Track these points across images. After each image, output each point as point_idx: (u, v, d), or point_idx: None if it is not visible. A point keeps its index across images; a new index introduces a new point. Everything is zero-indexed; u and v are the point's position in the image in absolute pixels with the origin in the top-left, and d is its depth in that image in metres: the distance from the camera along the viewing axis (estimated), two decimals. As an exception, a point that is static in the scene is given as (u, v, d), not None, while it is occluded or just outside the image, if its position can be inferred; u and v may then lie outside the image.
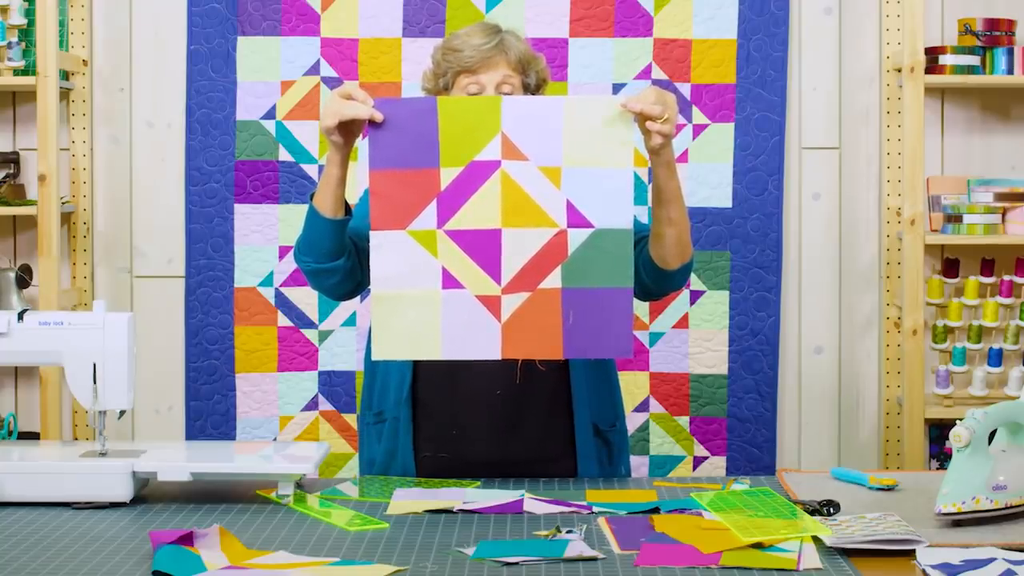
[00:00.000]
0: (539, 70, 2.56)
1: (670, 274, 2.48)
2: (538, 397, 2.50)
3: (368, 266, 2.31)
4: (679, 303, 3.66)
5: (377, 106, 2.26)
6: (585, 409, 2.52)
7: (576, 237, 2.24)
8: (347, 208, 2.42)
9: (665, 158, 2.35)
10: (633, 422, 3.63)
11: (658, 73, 3.64)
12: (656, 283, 2.50)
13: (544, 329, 2.25)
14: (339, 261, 2.43)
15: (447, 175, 2.24)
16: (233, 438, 3.66)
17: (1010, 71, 3.60)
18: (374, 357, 2.31)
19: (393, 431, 2.53)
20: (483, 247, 2.23)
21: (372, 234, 2.26)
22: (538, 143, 2.24)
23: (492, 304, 2.24)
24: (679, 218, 2.41)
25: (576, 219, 2.24)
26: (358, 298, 3.25)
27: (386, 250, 2.25)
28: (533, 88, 2.56)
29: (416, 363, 2.51)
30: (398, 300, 2.25)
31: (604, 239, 2.25)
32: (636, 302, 2.96)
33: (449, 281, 2.24)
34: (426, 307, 2.24)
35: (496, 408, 2.48)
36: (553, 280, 2.24)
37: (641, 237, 2.47)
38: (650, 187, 2.43)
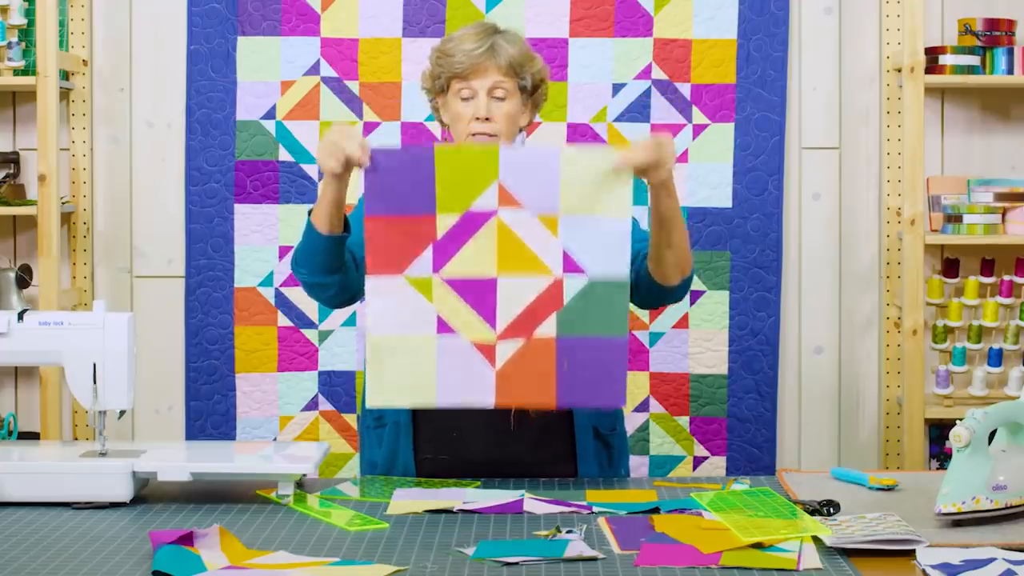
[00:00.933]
0: (535, 72, 2.56)
1: (669, 289, 2.49)
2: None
3: (364, 275, 2.31)
4: (679, 303, 3.66)
5: (374, 156, 2.25)
6: (585, 412, 2.52)
7: (572, 286, 2.24)
8: (345, 224, 2.42)
9: (665, 186, 2.35)
10: (633, 422, 3.63)
11: (658, 73, 3.64)
12: (655, 297, 2.51)
13: (538, 377, 2.25)
14: (336, 275, 2.43)
15: (443, 222, 2.24)
16: (233, 438, 3.66)
17: (1010, 71, 3.60)
18: (368, 405, 2.32)
19: (394, 435, 2.53)
20: (479, 294, 2.23)
21: (368, 279, 2.26)
22: (535, 192, 2.24)
23: (487, 351, 2.24)
24: (679, 240, 2.41)
25: (572, 267, 2.24)
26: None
27: (382, 295, 2.25)
28: (530, 90, 2.56)
29: None
30: (394, 346, 2.25)
31: (600, 289, 2.25)
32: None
33: (444, 327, 2.23)
34: (421, 353, 2.24)
35: (496, 411, 2.47)
36: (548, 328, 2.24)
37: (639, 250, 2.47)
38: (649, 205, 2.43)
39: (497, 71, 2.50)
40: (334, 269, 2.42)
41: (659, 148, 2.28)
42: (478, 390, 2.24)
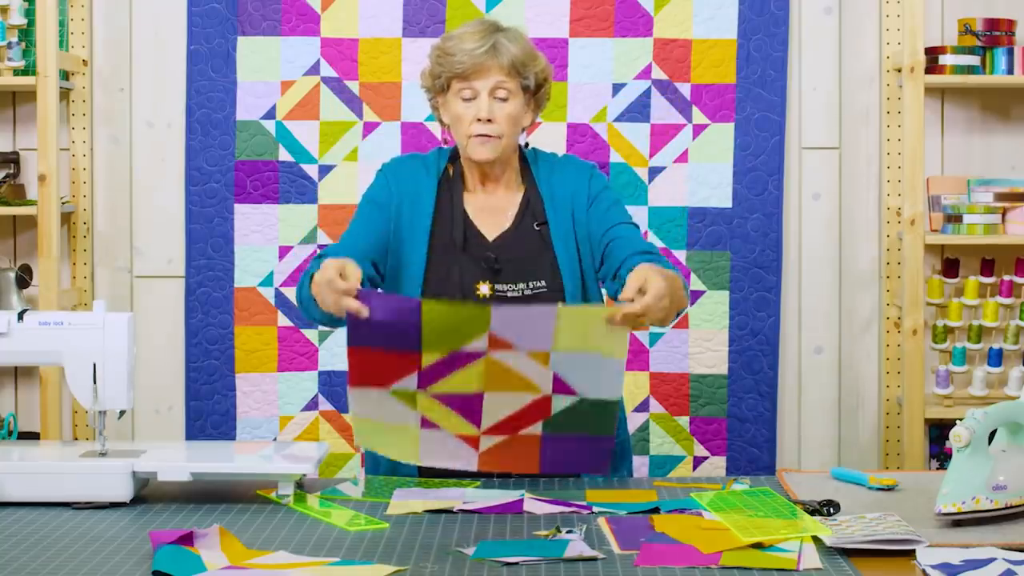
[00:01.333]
0: (538, 71, 2.52)
1: (663, 326, 2.51)
2: None
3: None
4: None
5: (360, 297, 2.11)
6: None
7: (560, 401, 2.15)
8: None
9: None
10: (633, 422, 3.63)
11: (658, 73, 3.64)
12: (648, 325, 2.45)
13: (521, 457, 2.19)
14: (340, 321, 2.34)
15: (429, 358, 2.12)
16: (233, 438, 3.66)
17: (1010, 71, 3.60)
18: (356, 443, 2.29)
19: None
20: (464, 404, 2.15)
21: (350, 389, 2.14)
22: (528, 336, 2.11)
23: (470, 440, 2.18)
24: (675, 307, 2.32)
25: (562, 389, 2.15)
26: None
27: (364, 400, 2.15)
28: (533, 88, 2.52)
29: None
30: (375, 426, 2.18)
31: (590, 405, 2.15)
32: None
33: (427, 424, 2.17)
34: (404, 435, 2.18)
35: None
36: (533, 429, 2.17)
37: (636, 253, 2.44)
38: None
39: (499, 71, 2.46)
40: (339, 321, 2.36)
41: (659, 306, 2.16)
42: (461, 461, 2.19)
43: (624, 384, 2.23)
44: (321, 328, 3.67)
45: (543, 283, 2.49)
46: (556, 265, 2.50)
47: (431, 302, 2.11)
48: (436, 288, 2.47)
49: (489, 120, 2.46)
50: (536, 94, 2.55)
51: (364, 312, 2.10)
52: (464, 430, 2.16)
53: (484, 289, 2.47)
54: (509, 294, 2.47)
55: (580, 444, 2.18)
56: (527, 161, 2.60)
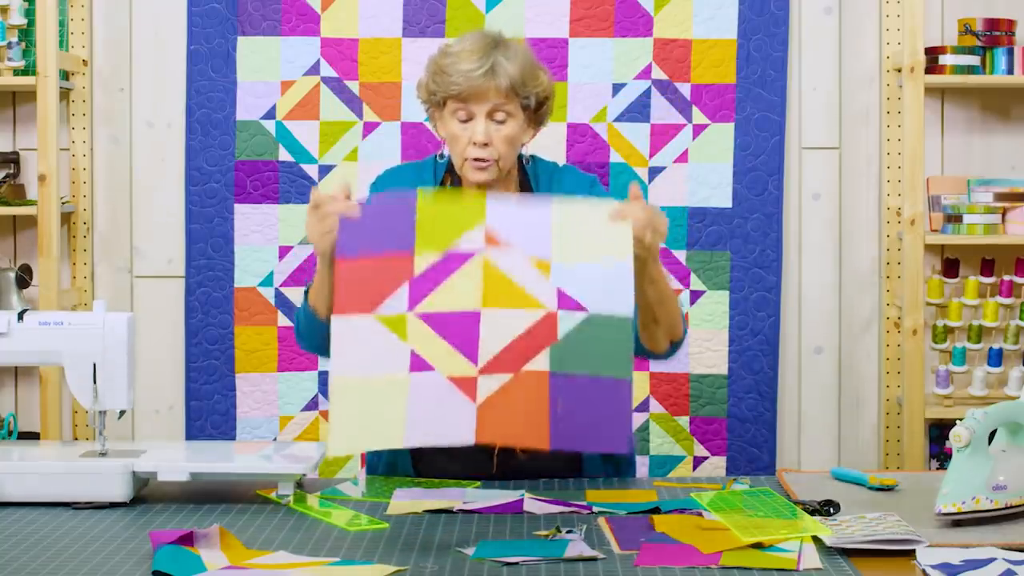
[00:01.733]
0: (539, 90, 2.40)
1: (657, 354, 2.43)
2: None
3: None
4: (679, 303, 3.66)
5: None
6: None
7: (567, 320, 1.95)
8: None
9: (649, 275, 2.24)
10: (633, 422, 3.62)
11: (658, 73, 3.64)
12: (642, 355, 2.42)
13: (528, 415, 1.93)
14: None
15: (422, 260, 1.99)
16: (233, 438, 3.66)
17: (1010, 71, 3.60)
18: (329, 454, 2.06)
19: (392, 451, 2.50)
20: (459, 329, 1.93)
21: (334, 319, 1.98)
22: (525, 237, 2.00)
23: (466, 385, 1.93)
24: (666, 316, 2.34)
25: (568, 303, 1.97)
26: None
27: (348, 336, 1.96)
28: (533, 107, 2.41)
29: None
30: (360, 388, 1.95)
31: (600, 325, 1.96)
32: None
33: (418, 364, 1.94)
34: (391, 393, 1.94)
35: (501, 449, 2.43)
36: (540, 363, 1.93)
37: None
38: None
39: (496, 94, 2.34)
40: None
41: (655, 212, 2.15)
42: (455, 427, 1.91)
43: (632, 302, 2.02)
44: (321, 328, 3.67)
45: None
46: None
47: (426, 191, 2.05)
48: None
49: (485, 144, 2.36)
50: (537, 111, 2.44)
51: (357, 211, 2.05)
52: (459, 369, 1.92)
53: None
54: None
55: (595, 391, 1.93)
56: (527, 172, 2.52)
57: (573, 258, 1.99)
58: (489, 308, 1.91)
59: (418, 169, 2.55)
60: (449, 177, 2.51)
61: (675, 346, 2.44)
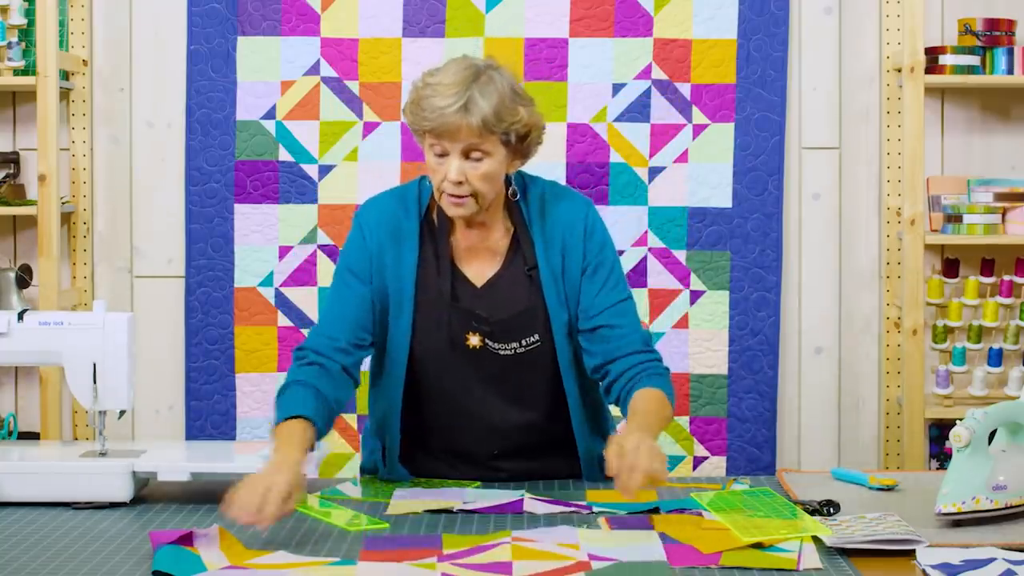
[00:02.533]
0: (518, 125, 2.27)
1: None
2: (537, 445, 2.45)
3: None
4: (679, 303, 3.66)
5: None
6: (589, 448, 2.46)
7: (599, 565, 1.90)
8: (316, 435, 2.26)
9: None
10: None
11: (658, 73, 3.64)
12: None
13: None
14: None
15: (450, 547, 1.99)
16: (233, 438, 3.66)
17: (1010, 71, 3.60)
18: None
19: (391, 459, 2.50)
20: (492, 568, 1.90)
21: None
22: (554, 537, 2.01)
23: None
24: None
25: (600, 558, 1.92)
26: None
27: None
28: (514, 142, 2.28)
29: (406, 419, 2.44)
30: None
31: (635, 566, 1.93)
32: (637, 298, 2.95)
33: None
34: None
35: (494, 434, 2.43)
36: None
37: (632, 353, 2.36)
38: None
39: (470, 133, 2.22)
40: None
41: (654, 464, 2.04)
42: None
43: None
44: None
45: (536, 337, 2.37)
46: (548, 317, 2.37)
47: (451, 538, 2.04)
48: (425, 338, 2.37)
49: (460, 183, 2.26)
50: (521, 144, 2.31)
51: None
52: None
53: (475, 340, 2.36)
54: (501, 352, 2.37)
55: None
56: (511, 200, 2.40)
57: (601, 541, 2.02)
58: (520, 561, 1.90)
59: (402, 198, 2.43)
60: (435, 204, 2.39)
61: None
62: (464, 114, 2.22)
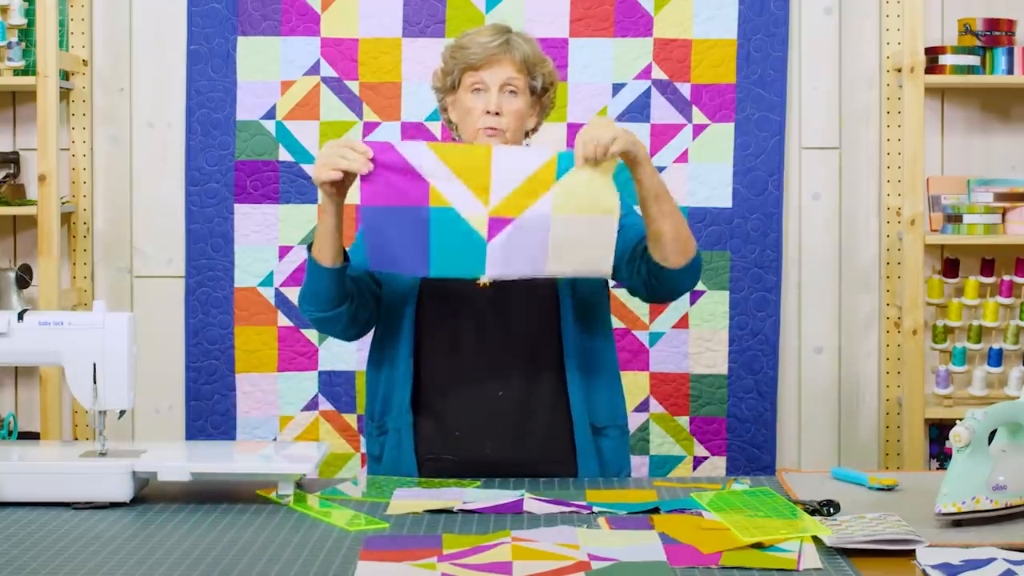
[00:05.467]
0: (546, 72, 2.55)
1: (676, 274, 2.43)
2: (540, 398, 2.51)
3: (373, 306, 2.48)
4: (679, 303, 3.66)
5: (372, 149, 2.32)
6: (583, 408, 2.51)
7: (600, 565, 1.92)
8: (345, 255, 2.45)
9: (635, 158, 2.34)
10: (633, 422, 3.63)
11: (658, 73, 3.64)
12: (665, 284, 2.46)
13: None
14: (342, 307, 2.47)
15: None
16: (233, 438, 3.66)
17: (1010, 71, 3.60)
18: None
19: (396, 441, 2.53)
20: (492, 568, 1.93)
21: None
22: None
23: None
24: (670, 211, 2.39)
25: (600, 558, 1.96)
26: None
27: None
28: (539, 91, 2.55)
29: (417, 370, 2.52)
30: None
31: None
32: (637, 301, 2.97)
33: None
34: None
35: (498, 410, 2.48)
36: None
37: (639, 240, 2.47)
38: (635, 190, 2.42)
39: (511, 65, 2.50)
40: (341, 301, 2.46)
41: (598, 131, 2.29)
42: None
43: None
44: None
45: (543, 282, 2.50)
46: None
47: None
48: (434, 284, 2.48)
49: (498, 113, 2.48)
50: (542, 97, 2.57)
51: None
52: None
53: (484, 279, 2.43)
54: (512, 286, 2.45)
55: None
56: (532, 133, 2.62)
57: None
58: (520, 561, 1.93)
59: None
60: None
61: (692, 265, 2.45)
62: (507, 48, 2.50)
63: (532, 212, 2.31)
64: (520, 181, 2.31)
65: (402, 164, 2.31)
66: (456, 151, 2.35)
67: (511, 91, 2.50)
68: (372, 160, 2.30)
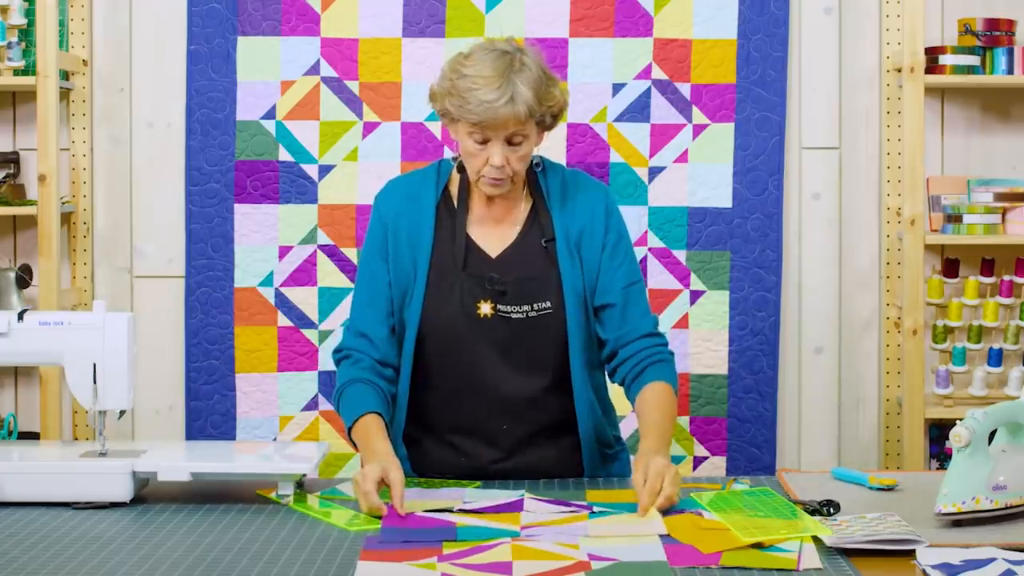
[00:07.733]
0: (553, 105, 2.39)
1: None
2: (545, 425, 2.48)
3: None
4: (679, 303, 3.66)
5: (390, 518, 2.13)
6: (590, 430, 2.50)
7: (599, 565, 1.91)
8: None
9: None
10: (634, 421, 3.62)
11: (658, 73, 3.64)
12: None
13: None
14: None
15: (451, 547, 2.00)
16: (233, 438, 3.66)
17: (1010, 71, 3.60)
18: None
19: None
20: (492, 568, 1.90)
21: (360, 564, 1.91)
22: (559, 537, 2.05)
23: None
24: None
25: (600, 558, 1.93)
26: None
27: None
28: (549, 121, 2.42)
29: (414, 402, 2.49)
30: None
31: (635, 567, 1.93)
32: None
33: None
34: None
35: (498, 425, 2.47)
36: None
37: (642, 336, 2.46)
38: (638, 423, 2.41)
39: (516, 123, 2.32)
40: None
41: (671, 489, 2.15)
42: None
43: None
44: (321, 328, 3.67)
45: (548, 304, 2.42)
46: (561, 285, 2.43)
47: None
48: (436, 307, 2.42)
49: (502, 167, 2.36)
50: (554, 121, 2.44)
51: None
52: None
53: (486, 308, 2.41)
54: (513, 316, 2.41)
55: None
56: (535, 171, 2.51)
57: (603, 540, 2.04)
58: (520, 561, 1.91)
59: (421, 176, 2.53)
60: (454, 180, 2.50)
61: None
62: (511, 106, 2.30)
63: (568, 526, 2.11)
64: (550, 519, 2.13)
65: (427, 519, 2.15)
66: (484, 518, 2.14)
67: (516, 143, 2.36)
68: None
